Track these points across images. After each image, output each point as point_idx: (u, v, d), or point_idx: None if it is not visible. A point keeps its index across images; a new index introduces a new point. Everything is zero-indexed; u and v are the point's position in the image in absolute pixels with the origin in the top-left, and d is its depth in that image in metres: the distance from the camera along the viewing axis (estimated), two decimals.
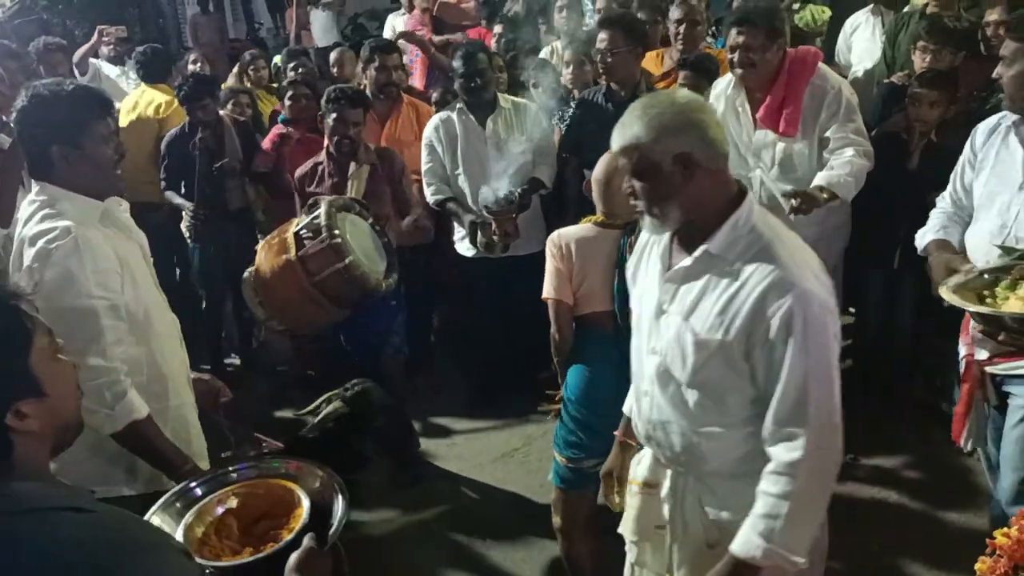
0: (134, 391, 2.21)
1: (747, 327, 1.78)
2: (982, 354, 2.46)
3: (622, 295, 2.53)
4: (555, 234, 2.76)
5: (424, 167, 4.23)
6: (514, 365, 4.36)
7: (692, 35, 4.31)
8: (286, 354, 5.00)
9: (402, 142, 4.44)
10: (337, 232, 3.15)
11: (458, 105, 4.20)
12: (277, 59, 6.81)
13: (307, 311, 3.34)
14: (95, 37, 6.10)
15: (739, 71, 3.45)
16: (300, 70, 5.47)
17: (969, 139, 2.60)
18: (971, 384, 2.54)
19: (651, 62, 4.54)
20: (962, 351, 2.57)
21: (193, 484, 1.91)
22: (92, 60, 6.09)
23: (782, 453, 1.78)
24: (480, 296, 4.41)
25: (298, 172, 4.02)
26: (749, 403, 1.87)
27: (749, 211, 1.86)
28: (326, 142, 3.92)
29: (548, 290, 2.72)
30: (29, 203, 2.26)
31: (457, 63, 4.12)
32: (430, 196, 4.20)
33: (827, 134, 3.40)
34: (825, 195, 3.19)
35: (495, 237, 3.91)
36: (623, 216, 2.60)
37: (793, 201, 3.17)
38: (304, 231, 3.25)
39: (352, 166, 3.84)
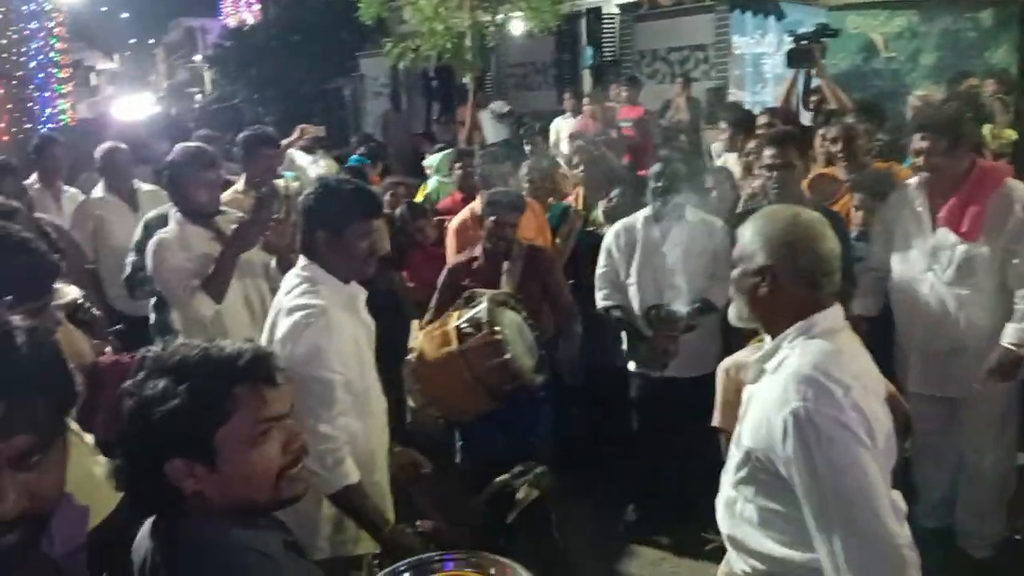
0: (350, 459, 2.45)
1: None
2: None
3: None
4: (727, 361, 2.72)
5: (598, 271, 4.19)
6: (673, 489, 4.09)
7: (852, 152, 4.30)
8: (435, 437, 5.10)
9: (529, 239, 4.47)
10: (498, 329, 3.25)
11: (645, 213, 4.11)
12: (430, 159, 7.30)
13: (464, 401, 3.44)
14: (296, 134, 6.67)
15: (923, 175, 3.43)
16: (466, 170, 5.79)
17: None
18: None
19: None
20: None
21: (403, 567, 1.98)
22: (289, 151, 6.71)
23: None
24: (641, 414, 4.20)
25: (452, 262, 4.22)
26: None
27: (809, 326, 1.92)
28: (483, 239, 4.11)
29: (717, 418, 2.66)
30: (294, 275, 2.60)
31: (656, 168, 4.08)
32: (600, 300, 4.15)
33: (1015, 261, 3.27)
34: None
35: (652, 353, 3.77)
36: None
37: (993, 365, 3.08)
38: (465, 325, 3.36)
39: (505, 264, 4.02)
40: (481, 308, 3.35)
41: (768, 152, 3.85)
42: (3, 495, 1.05)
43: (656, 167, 4.06)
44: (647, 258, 4.01)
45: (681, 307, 3.66)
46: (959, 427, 3.63)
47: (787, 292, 1.94)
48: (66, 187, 5.72)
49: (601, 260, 4.18)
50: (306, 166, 6.76)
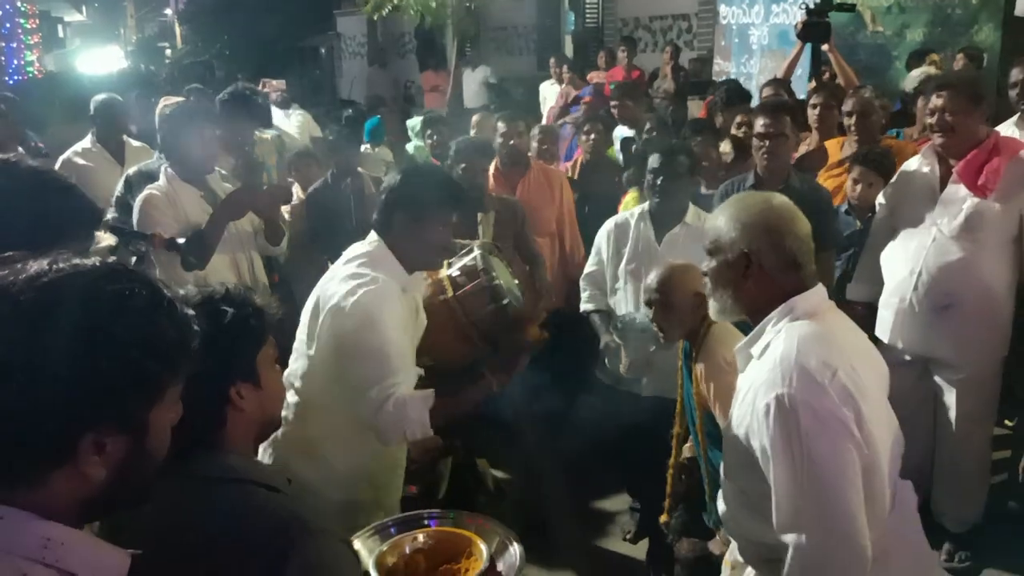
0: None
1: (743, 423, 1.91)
2: None
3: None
4: None
5: (586, 269, 3.89)
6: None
7: (865, 126, 4.16)
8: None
9: (533, 206, 4.39)
10: (495, 274, 3.23)
11: (640, 209, 3.71)
12: (412, 122, 7.19)
13: (458, 348, 3.40)
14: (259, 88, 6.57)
15: (937, 136, 3.30)
16: (435, 137, 5.60)
17: None
18: None
19: (832, 147, 4.42)
20: None
21: (389, 523, 2.17)
22: None
23: None
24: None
25: None
26: None
27: (789, 309, 1.90)
28: None
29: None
30: (361, 247, 2.55)
31: (652, 159, 3.55)
32: (583, 303, 3.84)
33: None
34: None
35: (620, 368, 3.40)
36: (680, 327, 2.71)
37: None
38: (457, 273, 3.33)
39: (479, 215, 4.00)
40: (475, 255, 3.32)
41: (761, 121, 3.76)
42: None
43: (655, 158, 3.54)
44: (637, 261, 3.59)
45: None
46: (939, 404, 3.53)
47: (772, 277, 1.92)
48: None
49: (591, 258, 3.87)
50: (279, 121, 6.65)
